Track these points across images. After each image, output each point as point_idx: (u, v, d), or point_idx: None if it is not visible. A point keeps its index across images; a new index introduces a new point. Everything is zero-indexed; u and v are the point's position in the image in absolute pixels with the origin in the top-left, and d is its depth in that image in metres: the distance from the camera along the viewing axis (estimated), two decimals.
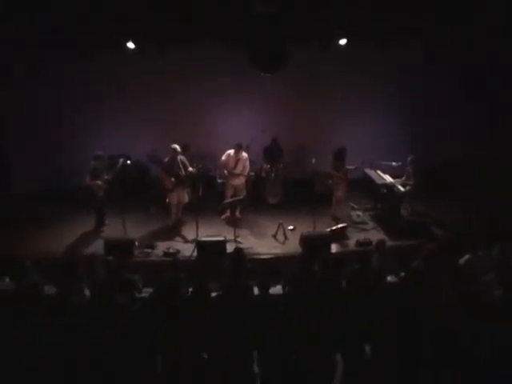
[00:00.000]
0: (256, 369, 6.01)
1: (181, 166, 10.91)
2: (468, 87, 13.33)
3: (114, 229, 10.82)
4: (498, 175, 12.40)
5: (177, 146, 10.92)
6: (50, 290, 7.73)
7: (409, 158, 11.29)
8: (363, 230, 11.01)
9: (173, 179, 10.88)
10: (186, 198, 11.31)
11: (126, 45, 11.05)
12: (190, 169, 11.04)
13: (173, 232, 10.97)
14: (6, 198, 12.65)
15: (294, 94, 13.23)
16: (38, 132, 12.97)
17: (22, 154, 13.11)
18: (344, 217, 11.50)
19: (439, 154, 13.18)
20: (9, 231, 10.97)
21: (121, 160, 11.09)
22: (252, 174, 11.72)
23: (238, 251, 7.74)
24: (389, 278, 7.97)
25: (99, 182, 10.71)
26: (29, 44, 10.95)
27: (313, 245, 9.77)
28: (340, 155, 11.26)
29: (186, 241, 10.53)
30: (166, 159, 10.98)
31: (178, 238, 10.71)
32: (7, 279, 7.68)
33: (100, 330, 6.07)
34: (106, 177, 10.81)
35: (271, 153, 12.82)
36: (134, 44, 11.07)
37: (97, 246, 9.99)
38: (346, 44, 11.41)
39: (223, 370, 5.89)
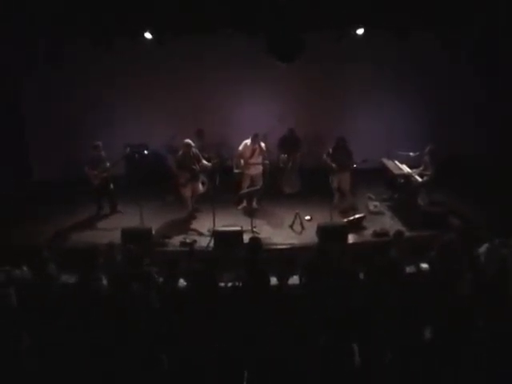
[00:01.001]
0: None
1: (194, 161, 10.87)
2: (483, 76, 13.12)
3: (131, 218, 10.83)
4: None
5: (190, 142, 10.88)
6: (68, 279, 7.80)
7: (427, 148, 11.16)
8: (380, 221, 10.90)
9: (187, 174, 10.83)
10: (199, 189, 11.30)
11: (143, 34, 10.99)
12: (204, 162, 11.03)
13: (189, 222, 10.97)
14: (25, 185, 12.80)
15: (311, 83, 13.11)
16: (56, 121, 13.08)
17: (40, 142, 13.23)
18: (350, 208, 11.44)
19: (456, 144, 13.05)
20: (27, 219, 11.10)
21: (127, 149, 11.11)
22: (267, 162, 11.62)
23: (255, 241, 7.70)
24: (407, 269, 7.90)
25: (95, 172, 10.84)
26: (46, 32, 10.96)
27: (329, 235, 9.74)
28: (336, 145, 11.18)
29: (202, 231, 10.49)
30: (180, 153, 10.93)
31: (195, 228, 10.69)
32: (25, 268, 7.70)
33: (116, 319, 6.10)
34: (107, 165, 10.87)
35: (288, 143, 12.75)
36: (152, 34, 11.01)
37: (114, 235, 9.98)
38: (364, 33, 11.25)
39: (238, 360, 5.88)
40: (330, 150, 11.36)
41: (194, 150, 10.94)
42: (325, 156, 11.41)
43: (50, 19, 10.23)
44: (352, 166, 11.23)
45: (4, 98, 12.42)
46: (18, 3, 9.83)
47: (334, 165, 11.25)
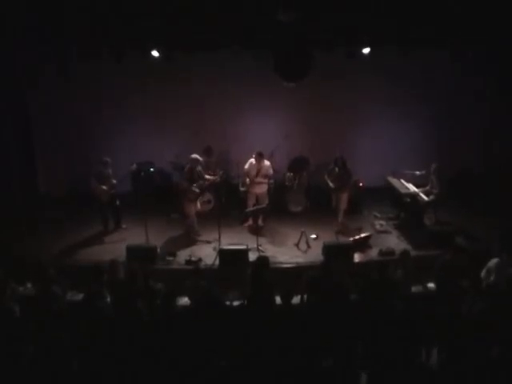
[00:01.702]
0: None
1: (197, 177, 10.86)
2: (494, 98, 13.12)
3: (136, 235, 10.82)
4: None
5: (197, 156, 10.89)
6: (73, 296, 7.80)
7: (432, 167, 11.13)
8: (386, 240, 10.85)
9: (197, 190, 10.82)
10: (205, 207, 11.29)
11: (150, 51, 11.07)
12: (207, 176, 11.05)
13: (195, 240, 10.92)
14: (31, 199, 12.81)
15: (319, 100, 13.13)
16: (62, 136, 13.16)
17: (46, 157, 13.35)
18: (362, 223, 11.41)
19: (463, 163, 13.04)
20: (31, 233, 11.12)
21: (133, 166, 11.14)
22: (271, 181, 11.62)
23: (262, 259, 7.67)
24: (413, 289, 7.86)
25: (104, 187, 10.79)
26: (56, 49, 11.06)
27: (335, 254, 9.71)
28: (336, 164, 11.17)
29: (207, 249, 10.44)
30: (186, 169, 10.90)
31: (200, 246, 10.64)
32: (29, 285, 7.71)
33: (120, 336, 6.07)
34: (113, 182, 10.88)
35: (296, 161, 12.75)
36: (159, 52, 11.08)
37: (118, 252, 9.96)
38: (370, 52, 11.30)
39: (244, 379, 5.84)
40: (330, 169, 11.36)
41: (199, 167, 10.96)
42: (326, 175, 11.42)
43: (58, 32, 10.31)
44: (350, 186, 11.23)
45: (11, 111, 12.43)
46: (30, 15, 9.91)
47: (331, 184, 11.25)
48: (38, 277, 7.41)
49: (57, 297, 7.18)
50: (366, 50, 11.25)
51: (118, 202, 11.27)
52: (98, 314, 6.61)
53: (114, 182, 10.97)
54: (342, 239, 10.46)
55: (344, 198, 11.23)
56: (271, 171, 11.54)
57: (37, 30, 10.23)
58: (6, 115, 12.18)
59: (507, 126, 13.10)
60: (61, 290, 7.34)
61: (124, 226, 11.42)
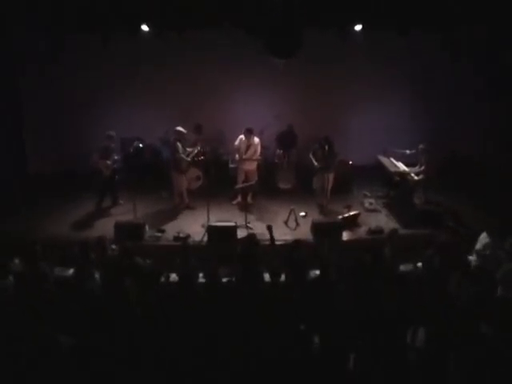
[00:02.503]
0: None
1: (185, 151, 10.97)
2: (488, 79, 13.09)
3: (124, 212, 10.80)
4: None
5: (181, 129, 10.95)
6: (61, 271, 7.77)
7: (420, 146, 11.09)
8: (375, 218, 10.87)
9: (188, 158, 10.88)
10: (195, 183, 11.28)
11: (140, 28, 10.94)
12: (188, 149, 11.14)
13: (183, 216, 10.92)
14: (20, 179, 12.73)
15: (309, 81, 13.09)
16: (52, 114, 13.07)
17: (35, 135, 13.28)
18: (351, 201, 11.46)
19: (454, 143, 13.07)
20: (21, 213, 11.01)
21: (135, 143, 11.07)
22: (259, 157, 11.58)
23: (251, 237, 7.67)
24: (402, 268, 7.88)
25: (108, 162, 10.72)
26: (45, 29, 10.97)
27: (324, 232, 9.74)
28: (320, 145, 11.14)
29: (196, 226, 10.44)
30: (174, 141, 10.89)
31: (189, 223, 10.63)
32: (17, 261, 7.66)
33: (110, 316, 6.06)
34: (115, 157, 10.80)
35: (285, 139, 12.75)
36: (150, 28, 10.96)
37: (107, 229, 9.94)
38: (362, 30, 11.23)
39: (234, 356, 5.85)
40: (315, 149, 11.34)
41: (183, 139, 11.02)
42: (310, 155, 11.40)
43: (49, 16, 10.20)
44: (334, 166, 11.20)
45: (1, 91, 12.38)
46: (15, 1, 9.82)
47: (315, 163, 11.23)
48: (25, 254, 7.38)
49: (45, 274, 7.16)
50: (358, 27, 11.16)
51: (116, 177, 11.19)
52: (88, 294, 6.60)
53: (116, 157, 10.88)
54: (331, 217, 10.46)
55: (330, 178, 11.21)
56: (259, 148, 11.51)
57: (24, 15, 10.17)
58: None
59: (505, 125, 13.09)
60: (48, 267, 7.31)
61: (121, 201, 11.36)
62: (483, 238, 7.97)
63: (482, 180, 12.02)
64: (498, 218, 10.05)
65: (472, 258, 7.95)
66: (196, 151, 11.21)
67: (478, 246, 7.98)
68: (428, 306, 6.41)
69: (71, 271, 7.68)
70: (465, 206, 11.37)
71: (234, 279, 7.00)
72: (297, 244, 7.72)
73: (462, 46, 12.13)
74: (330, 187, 11.25)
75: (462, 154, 13.19)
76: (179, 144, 10.80)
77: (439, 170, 11.11)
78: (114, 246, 8.15)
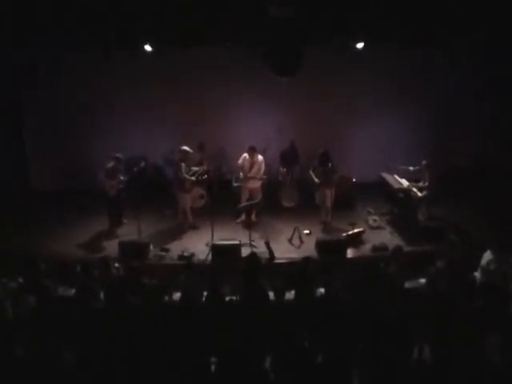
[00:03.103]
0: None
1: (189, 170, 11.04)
2: (490, 92, 13.15)
3: (129, 230, 10.83)
4: None
5: (187, 148, 10.98)
6: (65, 291, 7.80)
7: (423, 163, 11.10)
8: (379, 235, 10.87)
9: (192, 178, 10.93)
10: (199, 201, 11.30)
11: (142, 47, 11.05)
12: (194, 168, 11.22)
13: (188, 235, 10.94)
14: (22, 195, 12.87)
15: (311, 96, 13.15)
16: (56, 132, 13.19)
17: (38, 152, 13.39)
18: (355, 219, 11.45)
19: (456, 158, 13.09)
20: (24, 229, 11.07)
21: (142, 163, 11.14)
22: (264, 177, 11.63)
23: (253, 256, 7.68)
24: (406, 285, 7.88)
25: (113, 182, 10.74)
26: (50, 45, 11.08)
27: (328, 249, 9.75)
28: (320, 160, 11.16)
29: (200, 244, 10.45)
30: (180, 160, 10.94)
31: (193, 241, 10.66)
32: (20, 279, 7.69)
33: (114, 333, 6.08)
34: (121, 178, 10.85)
35: (288, 156, 12.78)
36: (151, 46, 11.06)
37: (111, 248, 9.98)
38: (364, 47, 11.30)
39: (235, 375, 5.83)
40: (314, 165, 11.37)
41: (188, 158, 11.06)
42: (310, 171, 11.41)
43: (51, 31, 10.29)
44: (334, 181, 11.21)
45: (4, 108, 12.48)
46: (19, 16, 9.89)
47: (316, 180, 11.26)
48: (28, 270, 7.41)
49: (48, 289, 7.18)
50: (360, 45, 11.24)
51: (121, 197, 11.17)
52: (91, 313, 6.63)
53: (122, 178, 10.94)
54: (336, 234, 10.46)
55: (329, 194, 11.20)
56: (263, 166, 11.53)
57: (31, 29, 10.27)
58: None
59: (504, 125, 13.13)
60: (52, 284, 7.34)
61: (125, 220, 11.36)
62: (487, 255, 7.98)
63: (482, 184, 12.12)
64: (500, 230, 10.06)
65: (477, 274, 7.96)
66: (201, 170, 11.26)
67: (483, 262, 7.99)
68: (432, 322, 6.41)
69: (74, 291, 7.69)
70: (467, 217, 11.42)
71: (237, 297, 7.01)
72: (307, 261, 7.74)
73: (461, 56, 12.17)
74: (331, 203, 11.26)
75: (464, 165, 13.20)
76: (183, 164, 10.84)
77: (440, 179, 11.08)
78: (117, 265, 8.19)
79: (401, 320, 6.18)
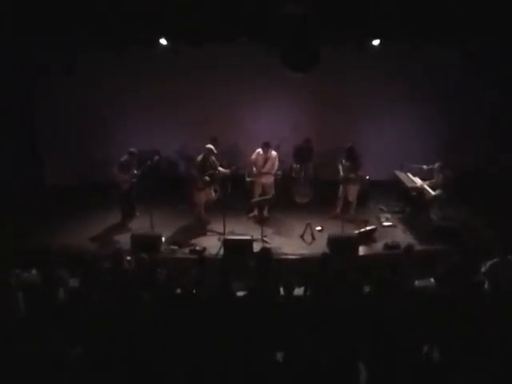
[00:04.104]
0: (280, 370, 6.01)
1: (210, 167, 11.00)
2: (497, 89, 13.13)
3: (141, 224, 10.93)
4: None
5: (212, 147, 11.03)
6: (75, 283, 7.89)
7: (437, 164, 11.04)
8: (392, 233, 10.91)
9: (207, 178, 10.93)
10: (212, 196, 11.37)
11: (158, 41, 11.12)
12: (221, 169, 11.15)
13: (200, 229, 11.02)
14: (37, 190, 13.00)
15: (326, 94, 13.12)
16: (68, 127, 13.26)
17: (52, 147, 13.48)
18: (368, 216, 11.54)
19: (470, 159, 13.07)
20: (38, 224, 11.18)
21: (155, 157, 11.21)
22: (279, 172, 11.71)
23: (265, 251, 7.75)
24: (417, 283, 7.92)
25: (126, 176, 10.86)
26: (64, 43, 11.18)
27: (340, 246, 9.81)
28: (350, 155, 11.25)
29: (212, 239, 10.55)
30: (199, 158, 11.02)
31: (205, 236, 10.75)
32: (34, 271, 7.81)
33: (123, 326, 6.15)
34: (135, 171, 10.94)
35: (301, 153, 12.82)
36: (167, 41, 11.13)
37: (123, 241, 10.10)
38: (379, 45, 11.31)
39: (245, 371, 5.91)
40: (341, 160, 11.45)
41: (212, 157, 11.09)
42: (339, 164, 11.49)
43: (62, 28, 10.38)
44: (356, 178, 11.31)
45: (17, 104, 12.62)
46: (31, 13, 10.00)
47: (341, 173, 11.34)
48: (42, 261, 7.51)
49: (61, 280, 7.28)
50: (376, 42, 11.25)
51: (135, 191, 11.27)
52: (99, 304, 6.70)
53: (136, 171, 11.05)
54: (348, 232, 10.51)
55: (351, 190, 11.34)
56: (277, 162, 11.60)
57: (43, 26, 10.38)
58: (11, 107, 12.37)
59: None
60: (66, 274, 7.44)
61: (138, 213, 11.46)
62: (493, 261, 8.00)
63: (494, 186, 12.13)
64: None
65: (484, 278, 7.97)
66: (226, 172, 11.31)
67: (488, 266, 8.01)
68: (441, 322, 6.44)
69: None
70: (479, 218, 11.41)
71: (247, 293, 7.08)
72: (327, 258, 7.79)
73: (475, 58, 12.13)
74: (354, 198, 11.43)
75: (477, 167, 13.19)
76: (210, 161, 10.99)
77: (454, 183, 11.08)
78: (129, 258, 8.28)
79: (408, 319, 6.22)
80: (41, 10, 9.92)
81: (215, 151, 11.10)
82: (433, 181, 11.13)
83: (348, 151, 11.28)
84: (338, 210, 11.60)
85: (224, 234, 10.29)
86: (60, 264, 7.71)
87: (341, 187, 11.50)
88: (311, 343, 5.96)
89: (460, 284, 7.15)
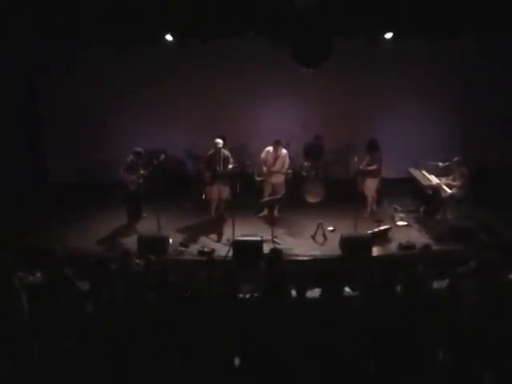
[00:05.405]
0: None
1: (221, 162, 11.03)
2: None
3: (148, 225, 10.91)
4: None
5: (220, 141, 11.05)
6: (83, 286, 7.87)
7: (455, 159, 10.97)
8: (406, 233, 10.84)
9: (209, 174, 10.97)
10: (226, 193, 11.38)
11: (163, 37, 11.10)
12: (230, 166, 11.14)
13: (209, 230, 11.01)
14: (41, 187, 13.11)
15: (338, 89, 13.09)
16: (72, 124, 13.31)
17: (56, 144, 13.58)
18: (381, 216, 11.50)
19: (488, 155, 12.98)
20: (42, 224, 11.24)
21: (162, 156, 11.19)
22: (290, 171, 11.68)
23: (276, 252, 7.70)
24: (434, 285, 7.85)
25: (133, 177, 10.83)
26: (66, 41, 11.21)
27: (353, 247, 9.76)
28: (372, 148, 11.22)
29: (221, 240, 10.55)
30: (209, 152, 11.11)
31: (214, 237, 10.73)
32: (38, 274, 7.80)
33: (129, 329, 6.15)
34: (141, 172, 10.92)
35: (312, 150, 12.74)
36: (173, 37, 11.11)
37: (130, 242, 10.09)
38: (393, 38, 11.24)
39: (255, 373, 5.89)
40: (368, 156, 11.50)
41: (225, 152, 11.16)
42: (354, 158, 11.53)
43: (62, 28, 10.41)
44: (372, 172, 11.36)
45: (17, 104, 12.71)
46: (31, 13, 10.05)
47: (360, 166, 11.38)
48: (49, 260, 7.49)
49: (69, 280, 7.26)
50: (389, 35, 11.18)
51: (142, 191, 11.23)
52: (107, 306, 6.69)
53: (142, 172, 11.03)
54: (361, 231, 10.45)
55: (368, 184, 11.38)
56: (287, 160, 11.57)
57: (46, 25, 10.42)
58: (11, 107, 12.47)
59: None
60: (73, 274, 7.42)
61: (145, 214, 11.43)
62: None
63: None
64: None
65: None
66: (233, 167, 11.30)
67: None
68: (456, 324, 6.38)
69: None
70: (497, 217, 11.29)
71: (257, 295, 7.04)
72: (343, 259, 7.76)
73: (493, 52, 12.04)
74: (373, 194, 11.53)
75: (493, 160, 13.14)
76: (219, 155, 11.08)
77: (471, 181, 10.99)
78: (138, 261, 8.25)
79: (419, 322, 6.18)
80: (41, 10, 9.99)
81: (220, 145, 11.11)
82: (450, 178, 11.06)
83: (370, 143, 11.33)
84: (369, 210, 11.59)
85: (233, 234, 10.24)
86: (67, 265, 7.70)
87: (358, 181, 11.50)
88: (327, 347, 5.92)
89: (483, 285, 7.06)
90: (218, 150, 11.03)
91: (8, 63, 11.90)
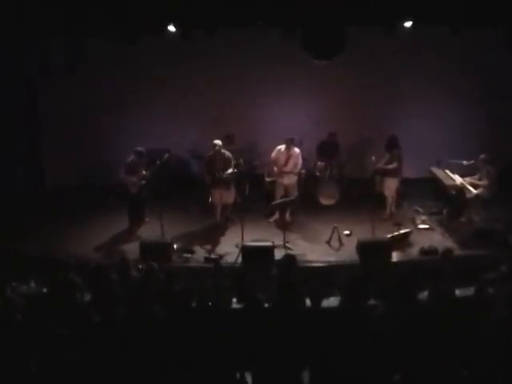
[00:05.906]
0: None
1: (220, 165, 11.01)
2: None
3: (151, 230, 10.88)
4: None
5: (218, 142, 10.98)
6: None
7: (481, 157, 10.85)
8: (428, 237, 10.76)
9: (210, 178, 10.98)
10: (230, 199, 11.32)
11: (166, 29, 11.03)
12: (230, 170, 11.09)
13: (215, 235, 10.96)
14: (40, 190, 13.27)
15: (353, 83, 13.02)
16: (71, 124, 13.39)
17: (54, 146, 13.64)
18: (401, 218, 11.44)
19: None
20: (41, 226, 11.36)
21: (165, 156, 11.16)
22: (303, 171, 11.62)
23: (289, 258, 7.66)
24: (457, 292, 7.78)
25: (134, 178, 10.79)
26: (67, 35, 11.24)
27: (371, 252, 9.68)
28: (392, 145, 11.15)
29: (229, 246, 10.47)
30: (209, 153, 11.10)
31: (221, 242, 10.68)
32: (32, 283, 7.78)
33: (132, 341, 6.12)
34: (143, 172, 10.89)
35: (326, 149, 12.68)
36: (177, 28, 11.04)
37: (132, 248, 10.05)
38: (412, 28, 11.13)
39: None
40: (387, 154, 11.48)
41: (226, 153, 11.11)
42: (372, 157, 11.48)
43: (66, 19, 10.43)
44: (391, 171, 11.34)
45: (17, 104, 12.83)
46: (31, 13, 10.13)
47: (379, 164, 11.34)
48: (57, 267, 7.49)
49: (77, 285, 7.22)
50: (408, 24, 11.06)
51: (144, 193, 11.21)
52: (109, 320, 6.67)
53: (144, 173, 11.00)
54: (379, 235, 10.37)
55: (388, 183, 11.37)
56: (300, 160, 11.49)
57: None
58: (11, 107, 12.59)
59: None
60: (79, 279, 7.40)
61: (147, 218, 11.40)
62: None
63: None
64: None
65: None
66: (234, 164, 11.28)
67: None
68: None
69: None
70: None
71: (270, 304, 7.00)
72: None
73: None
74: (392, 194, 11.52)
75: None
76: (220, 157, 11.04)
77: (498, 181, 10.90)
78: (141, 267, 8.20)
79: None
80: (41, 10, 10.05)
81: (218, 146, 11.03)
82: (475, 177, 10.96)
83: (390, 140, 11.29)
84: (388, 211, 11.54)
85: (242, 239, 10.19)
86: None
87: (376, 181, 11.45)
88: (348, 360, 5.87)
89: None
90: (217, 152, 10.97)
91: (8, 63, 12.00)
